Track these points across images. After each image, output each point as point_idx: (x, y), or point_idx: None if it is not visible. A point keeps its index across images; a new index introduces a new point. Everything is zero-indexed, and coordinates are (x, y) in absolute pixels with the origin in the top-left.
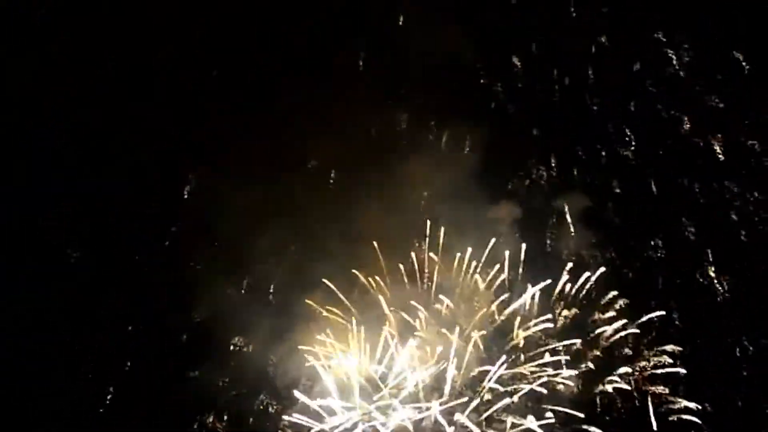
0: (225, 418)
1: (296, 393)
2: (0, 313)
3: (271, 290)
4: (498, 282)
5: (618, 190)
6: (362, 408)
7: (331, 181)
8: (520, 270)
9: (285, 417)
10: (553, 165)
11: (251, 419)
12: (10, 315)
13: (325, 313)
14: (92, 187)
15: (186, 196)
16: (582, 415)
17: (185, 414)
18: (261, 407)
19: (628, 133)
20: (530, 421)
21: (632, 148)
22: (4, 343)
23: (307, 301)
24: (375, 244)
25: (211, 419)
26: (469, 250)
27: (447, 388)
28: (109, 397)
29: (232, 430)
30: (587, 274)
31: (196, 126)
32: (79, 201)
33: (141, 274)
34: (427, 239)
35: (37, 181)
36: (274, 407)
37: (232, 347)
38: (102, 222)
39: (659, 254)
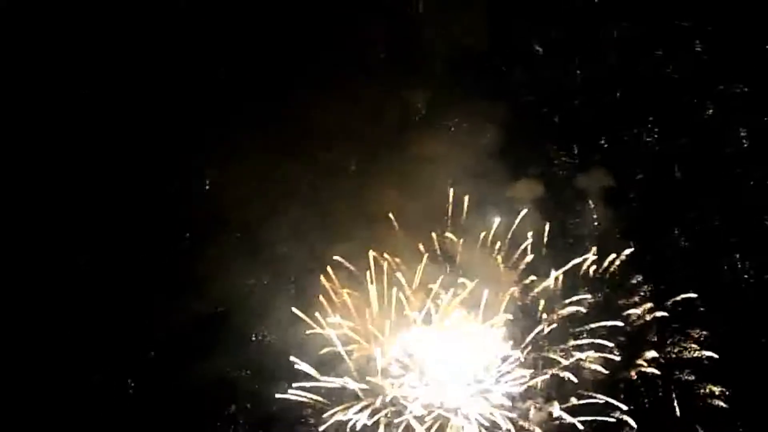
0: (248, 406)
1: (317, 376)
2: (21, 306)
3: (292, 278)
4: (521, 263)
5: (640, 176)
6: (385, 390)
7: (353, 166)
8: (543, 250)
9: (306, 401)
10: (576, 152)
11: (273, 407)
12: (32, 308)
13: (345, 296)
14: (112, 181)
15: (207, 187)
16: (609, 400)
17: (207, 405)
18: (282, 395)
19: (651, 119)
20: (554, 406)
21: (655, 135)
22: (30, 339)
23: (325, 284)
24: (395, 225)
25: (233, 409)
26: (493, 229)
27: (470, 372)
28: (130, 390)
29: (254, 419)
30: (613, 256)
31: (213, 112)
32: (101, 192)
33: (162, 265)
34: (449, 219)
35: (53, 176)
36: (295, 394)
37: (253, 337)
38: (122, 216)
39: (683, 240)
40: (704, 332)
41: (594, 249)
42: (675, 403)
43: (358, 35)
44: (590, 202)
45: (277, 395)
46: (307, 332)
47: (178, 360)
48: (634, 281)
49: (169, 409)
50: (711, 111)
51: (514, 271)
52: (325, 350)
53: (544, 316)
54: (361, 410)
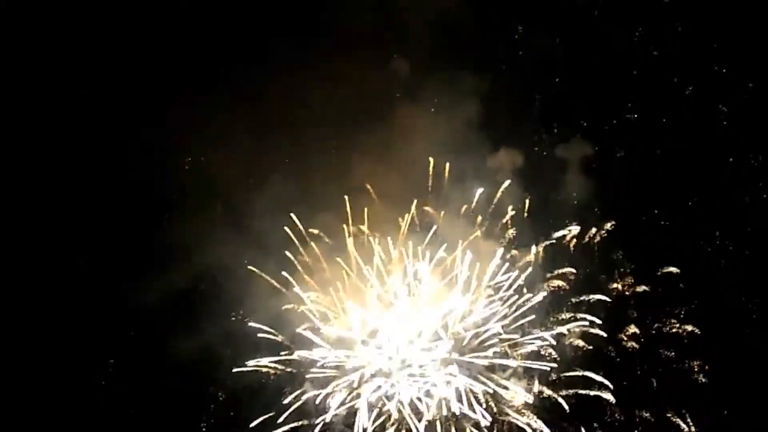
0: (227, 383)
1: (297, 350)
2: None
3: (272, 251)
4: (503, 235)
5: (621, 154)
6: (363, 362)
7: (336, 139)
8: (524, 221)
9: (285, 375)
10: (555, 131)
11: (253, 386)
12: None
13: (324, 269)
14: (89, 160)
15: (187, 167)
16: (590, 375)
17: (187, 385)
18: (262, 372)
19: (632, 99)
20: (534, 380)
21: (635, 114)
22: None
23: (304, 256)
24: (375, 197)
25: (213, 388)
26: (474, 201)
27: (449, 344)
28: (110, 369)
29: (232, 393)
30: (594, 230)
31: (195, 85)
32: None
33: (141, 241)
34: (429, 189)
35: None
36: (275, 371)
37: (233, 314)
38: (100, 195)
39: (664, 217)
40: (685, 307)
41: (575, 224)
42: (655, 378)
43: (341, 10)
44: (571, 176)
45: (235, 369)
46: (284, 307)
47: (158, 336)
48: (615, 256)
49: (148, 390)
50: (692, 88)
51: (495, 242)
52: (304, 326)
53: (525, 289)
54: (338, 385)
